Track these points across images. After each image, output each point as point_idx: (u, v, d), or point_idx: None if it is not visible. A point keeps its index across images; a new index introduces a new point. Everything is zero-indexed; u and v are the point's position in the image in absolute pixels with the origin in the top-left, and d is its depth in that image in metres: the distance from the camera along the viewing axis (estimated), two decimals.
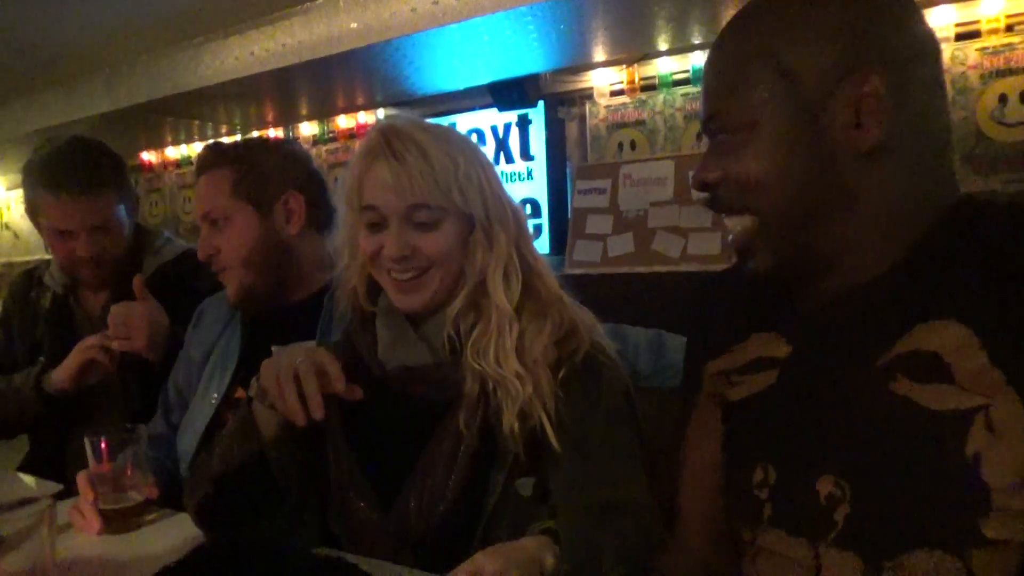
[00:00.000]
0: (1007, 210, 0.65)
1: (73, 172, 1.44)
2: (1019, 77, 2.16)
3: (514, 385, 0.89)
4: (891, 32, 0.66)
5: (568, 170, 3.00)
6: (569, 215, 2.91)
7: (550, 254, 3.00)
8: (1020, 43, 2.14)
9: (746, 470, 0.72)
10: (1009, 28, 2.15)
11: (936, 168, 0.69)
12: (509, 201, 0.97)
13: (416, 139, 0.91)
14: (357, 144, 3.59)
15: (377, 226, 0.93)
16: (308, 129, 3.68)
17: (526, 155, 3.02)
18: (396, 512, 0.92)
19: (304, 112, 3.52)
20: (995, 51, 2.18)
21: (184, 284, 1.56)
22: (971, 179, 2.23)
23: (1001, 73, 2.18)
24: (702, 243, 2.57)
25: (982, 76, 2.21)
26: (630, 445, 0.91)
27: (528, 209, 3.04)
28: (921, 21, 0.68)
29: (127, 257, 1.56)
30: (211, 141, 1.53)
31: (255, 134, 3.78)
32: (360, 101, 3.32)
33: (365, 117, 3.47)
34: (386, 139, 0.92)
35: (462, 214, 0.92)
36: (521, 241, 0.97)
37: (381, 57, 2.48)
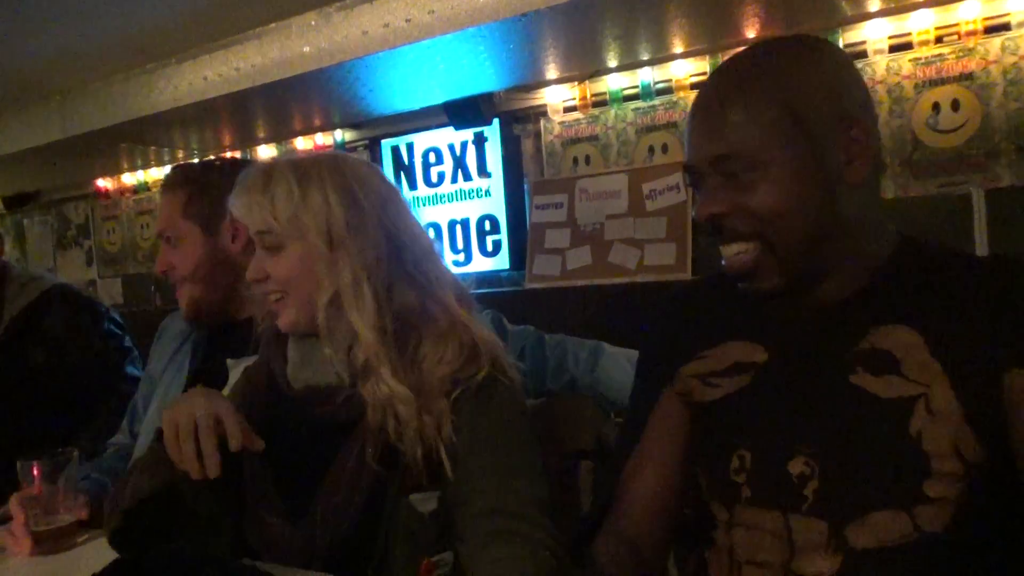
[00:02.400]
0: (934, 246, 0.82)
1: None
2: (950, 86, 2.26)
3: (407, 411, 0.92)
4: (859, 86, 0.81)
5: (525, 186, 3.04)
6: (528, 230, 2.95)
7: (510, 269, 3.04)
8: (950, 53, 2.24)
9: (724, 458, 0.83)
10: (939, 40, 2.24)
11: (879, 196, 0.85)
12: (399, 230, 1.00)
13: (266, 171, 1.00)
14: None
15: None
16: (266, 152, 3.68)
17: (483, 172, 3.06)
18: (305, 527, 0.95)
19: (261, 135, 3.52)
20: (927, 62, 2.27)
21: (37, 323, 1.73)
22: (911, 184, 2.31)
23: (933, 83, 2.27)
24: (657, 254, 2.63)
25: (916, 86, 2.30)
26: (523, 463, 0.94)
27: (487, 225, 3.08)
28: (861, 76, 0.84)
29: None
30: (177, 163, 1.65)
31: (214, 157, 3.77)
32: (317, 123, 3.33)
33: (323, 139, 3.48)
34: (252, 174, 1.01)
35: (305, 239, 0.97)
36: (414, 269, 1.00)
37: (335, 79, 2.50)
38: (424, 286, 1.00)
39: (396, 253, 1.00)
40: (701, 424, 0.87)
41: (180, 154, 3.82)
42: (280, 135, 3.55)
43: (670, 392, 0.91)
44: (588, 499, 1.17)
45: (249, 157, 3.78)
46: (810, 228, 0.77)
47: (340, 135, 3.45)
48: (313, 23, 2.33)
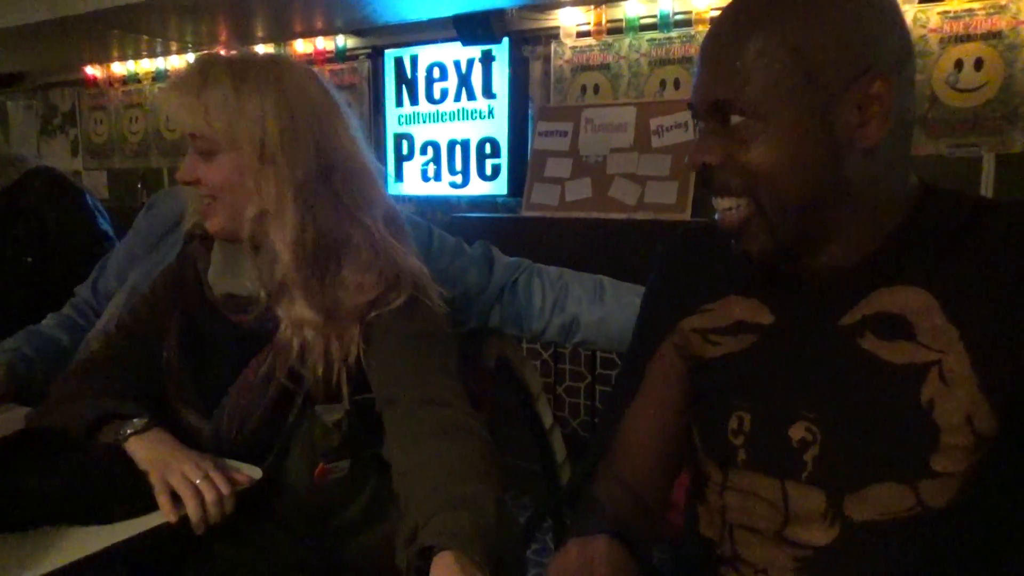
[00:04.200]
0: (960, 197, 0.74)
1: None
2: (976, 43, 2.19)
3: (313, 335, 0.96)
4: (891, 37, 0.70)
5: (530, 111, 2.96)
6: (528, 157, 2.90)
7: (507, 195, 2.99)
8: (980, 9, 2.17)
9: (721, 418, 0.80)
10: None
11: (908, 158, 0.75)
12: (333, 148, 0.99)
13: (205, 72, 0.96)
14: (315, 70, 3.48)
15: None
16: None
17: (488, 93, 2.97)
18: (215, 423, 1.01)
19: (260, 34, 3.39)
20: (956, 16, 2.20)
21: (17, 204, 1.71)
22: (922, 142, 2.28)
23: (959, 39, 2.21)
24: (659, 192, 2.59)
25: (941, 40, 2.23)
26: (445, 364, 0.98)
27: (488, 148, 3.01)
28: (905, 24, 0.72)
29: None
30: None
31: None
32: (319, 26, 3.21)
33: (324, 43, 3.36)
34: (185, 70, 0.98)
35: (239, 149, 0.96)
36: (341, 190, 1.00)
37: None
38: (351, 209, 1.00)
39: (326, 172, 0.99)
40: (699, 380, 0.84)
41: (173, 46, 3.67)
42: (279, 35, 3.42)
43: (669, 343, 0.87)
44: (486, 412, 1.22)
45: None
46: (807, 194, 0.70)
47: (342, 41, 3.33)
48: None
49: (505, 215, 3.00)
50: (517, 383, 1.28)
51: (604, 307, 1.31)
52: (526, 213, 2.84)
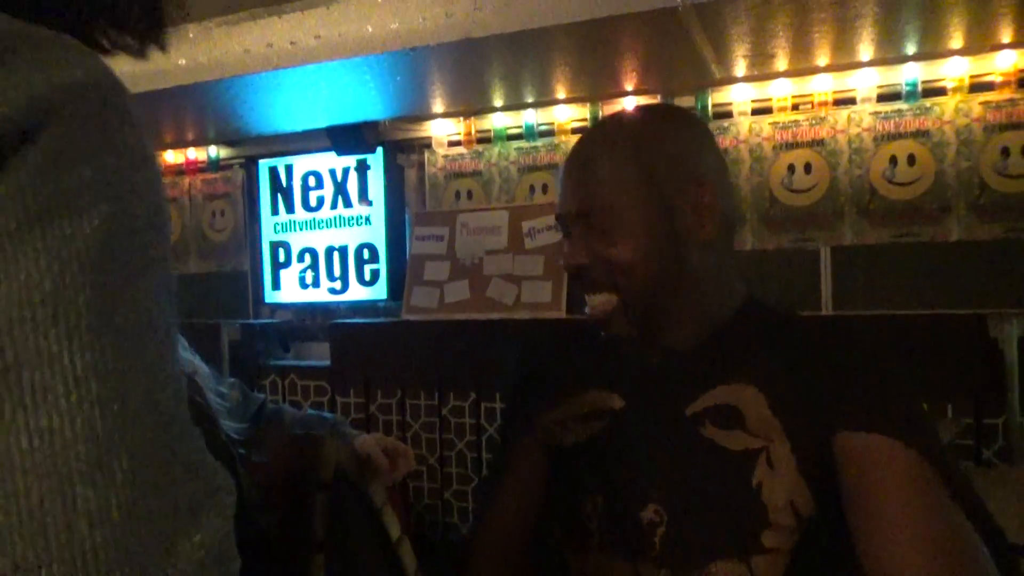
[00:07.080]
0: (780, 310, 0.88)
1: None
2: (803, 150, 2.45)
3: None
4: (712, 154, 0.87)
5: (407, 217, 3.03)
6: (407, 261, 2.94)
7: (388, 299, 3.00)
8: (804, 120, 2.44)
9: (577, 503, 0.85)
10: (795, 107, 2.44)
11: (732, 255, 0.90)
12: None
13: None
14: (187, 180, 3.43)
15: None
16: None
17: (364, 200, 3.02)
18: None
19: None
20: (784, 126, 2.47)
21: None
22: (767, 237, 2.48)
23: (789, 145, 2.47)
24: (534, 291, 2.68)
25: (774, 147, 2.48)
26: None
27: (366, 254, 3.03)
28: (716, 145, 0.91)
29: None
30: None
31: None
32: (190, 137, 3.19)
33: (195, 153, 3.33)
34: None
35: None
36: None
37: (211, 95, 2.40)
38: None
39: None
40: (558, 468, 0.90)
41: None
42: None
43: (531, 440, 0.93)
44: (322, 527, 1.22)
45: None
46: (660, 281, 0.82)
47: (215, 151, 3.31)
48: (192, 36, 2.23)
49: (386, 319, 3.00)
50: (359, 495, 1.29)
51: None
52: (407, 316, 2.86)
